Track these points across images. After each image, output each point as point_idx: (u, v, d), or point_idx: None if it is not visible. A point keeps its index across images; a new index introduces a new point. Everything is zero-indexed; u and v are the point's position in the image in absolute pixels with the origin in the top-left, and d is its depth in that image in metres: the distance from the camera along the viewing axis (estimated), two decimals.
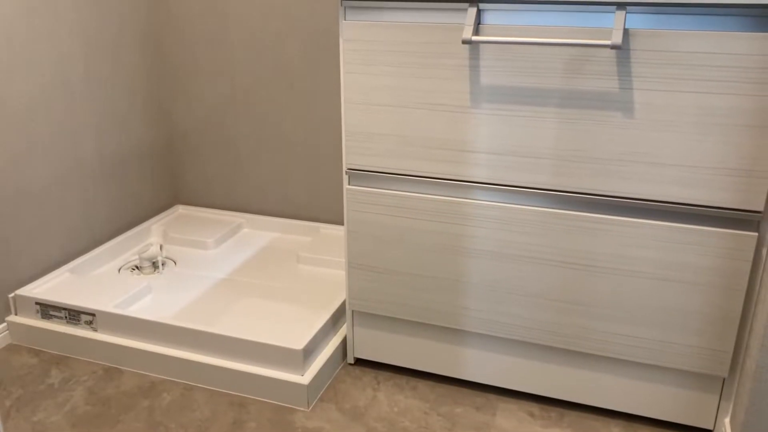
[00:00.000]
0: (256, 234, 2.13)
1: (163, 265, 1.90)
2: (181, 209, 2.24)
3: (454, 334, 1.46)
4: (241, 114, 2.07)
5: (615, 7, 1.13)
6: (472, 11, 1.21)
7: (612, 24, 1.14)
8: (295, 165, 2.07)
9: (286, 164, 2.08)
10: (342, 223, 2.08)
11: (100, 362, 1.59)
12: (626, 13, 1.13)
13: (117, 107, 1.94)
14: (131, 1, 1.94)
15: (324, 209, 2.09)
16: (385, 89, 1.32)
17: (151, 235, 2.08)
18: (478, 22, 1.23)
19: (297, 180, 2.08)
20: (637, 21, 1.13)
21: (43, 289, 1.71)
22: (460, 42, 1.24)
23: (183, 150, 2.19)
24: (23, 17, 1.61)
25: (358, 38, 1.31)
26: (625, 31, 1.13)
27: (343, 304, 1.64)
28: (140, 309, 1.69)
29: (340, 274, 1.86)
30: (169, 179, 2.21)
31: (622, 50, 1.14)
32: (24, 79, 1.64)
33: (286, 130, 2.03)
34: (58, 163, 1.77)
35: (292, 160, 2.06)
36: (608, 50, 1.15)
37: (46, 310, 1.64)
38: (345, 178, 1.43)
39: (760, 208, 1.15)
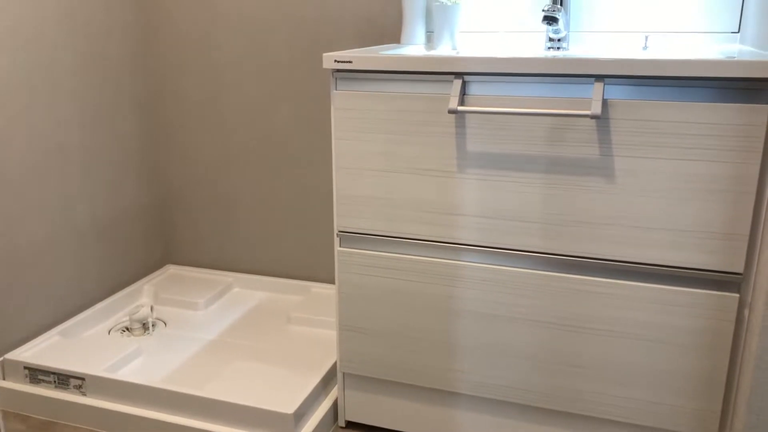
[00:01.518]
0: (246, 293, 2.14)
1: (153, 326, 1.90)
2: (172, 269, 2.25)
3: (446, 396, 1.47)
4: (233, 175, 2.10)
5: (593, 79, 1.18)
6: (458, 83, 1.27)
7: (591, 95, 1.20)
8: (286, 224, 2.09)
9: (277, 224, 2.10)
10: (333, 282, 2.10)
11: (90, 428, 1.57)
12: (604, 84, 1.18)
13: (111, 170, 1.98)
14: (128, 66, 2.00)
15: (315, 268, 2.10)
16: (376, 155, 1.36)
17: (141, 296, 2.08)
18: (463, 92, 1.28)
19: (288, 239, 2.10)
20: (615, 92, 1.18)
21: (32, 352, 1.70)
22: (447, 111, 1.28)
23: (175, 210, 2.21)
24: (23, 84, 1.66)
25: (349, 107, 1.36)
26: (604, 102, 1.19)
27: (334, 366, 1.64)
28: (130, 372, 1.68)
29: (331, 335, 1.87)
30: (160, 239, 2.23)
31: (601, 120, 1.19)
32: (21, 144, 1.67)
33: (277, 190, 2.07)
34: (51, 226, 1.78)
35: (283, 220, 2.09)
36: (589, 119, 1.20)
37: (35, 374, 1.63)
38: (336, 240, 1.45)
39: (741, 270, 1.18)
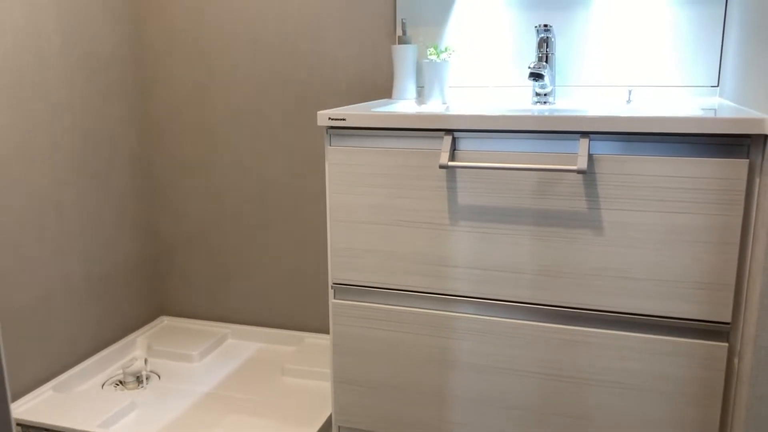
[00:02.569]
0: (240, 345, 2.13)
1: (147, 379, 1.89)
2: (166, 320, 2.25)
3: None
4: (227, 229, 2.13)
5: (579, 135, 1.23)
6: (448, 139, 1.30)
7: (578, 150, 1.24)
8: (280, 275, 2.11)
9: (270, 274, 2.12)
10: (327, 331, 2.10)
11: None
12: (589, 140, 1.22)
13: (106, 226, 2.00)
14: (124, 124, 2.04)
15: (308, 318, 2.11)
16: (369, 208, 1.39)
17: (135, 349, 2.07)
18: (453, 148, 1.31)
19: (281, 290, 2.11)
20: (601, 147, 1.22)
21: (25, 408, 1.69)
22: (438, 166, 1.32)
23: (169, 261, 2.22)
24: (23, 143, 1.69)
25: (343, 162, 1.40)
26: (590, 157, 1.22)
27: (329, 419, 1.63)
28: (124, 427, 1.67)
29: (326, 386, 1.86)
30: (154, 291, 2.24)
31: (588, 174, 1.23)
32: (18, 201, 1.69)
33: (271, 242, 2.09)
34: (45, 280, 1.79)
35: (277, 271, 2.11)
36: (576, 174, 1.24)
37: (27, 431, 1.61)
38: (331, 292, 1.47)
39: (728, 320, 1.20)
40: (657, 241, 1.21)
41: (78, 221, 1.89)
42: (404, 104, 1.64)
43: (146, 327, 2.18)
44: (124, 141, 2.05)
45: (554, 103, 1.62)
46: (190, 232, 2.18)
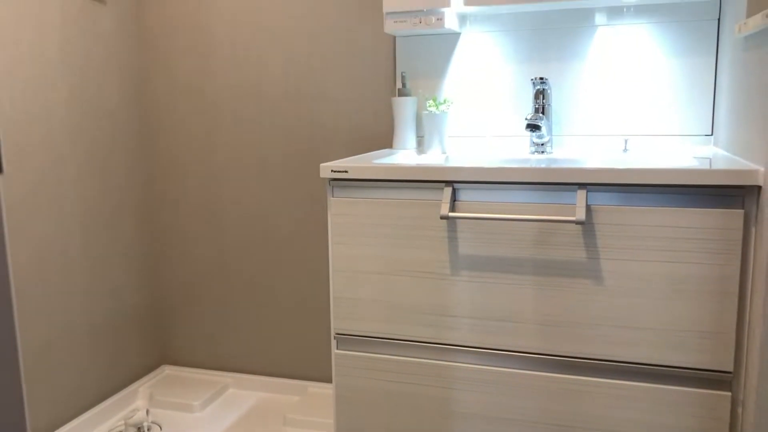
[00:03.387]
0: (242, 394, 2.12)
1: (149, 430, 1.88)
2: (168, 370, 2.24)
3: None
4: (229, 276, 2.14)
5: (577, 186, 1.25)
6: (448, 190, 1.33)
7: (576, 201, 1.26)
8: (283, 324, 2.11)
9: (273, 324, 2.12)
10: (329, 380, 2.09)
11: None
12: (587, 192, 1.24)
13: (110, 273, 2.01)
14: (129, 173, 2.07)
15: (311, 367, 2.10)
16: (371, 258, 1.41)
17: (137, 399, 2.06)
18: (453, 198, 1.34)
19: (284, 339, 2.11)
20: (598, 198, 1.25)
21: None
22: (439, 217, 1.34)
23: (171, 311, 2.23)
24: (28, 192, 1.72)
25: (345, 213, 1.42)
26: (588, 208, 1.25)
27: None
28: None
29: None
30: (156, 340, 2.24)
31: (586, 225, 1.25)
32: (24, 250, 1.71)
33: (273, 291, 2.10)
34: (48, 329, 1.80)
35: (280, 320, 2.11)
36: (574, 224, 1.26)
37: None
38: (333, 343, 1.47)
39: (730, 369, 1.21)
40: (656, 291, 1.23)
41: (83, 270, 1.90)
42: (405, 154, 1.68)
43: (148, 376, 2.17)
44: (129, 190, 2.08)
45: (552, 153, 1.65)
46: (193, 281, 2.19)
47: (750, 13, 1.25)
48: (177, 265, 2.20)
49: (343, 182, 1.42)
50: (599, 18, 1.66)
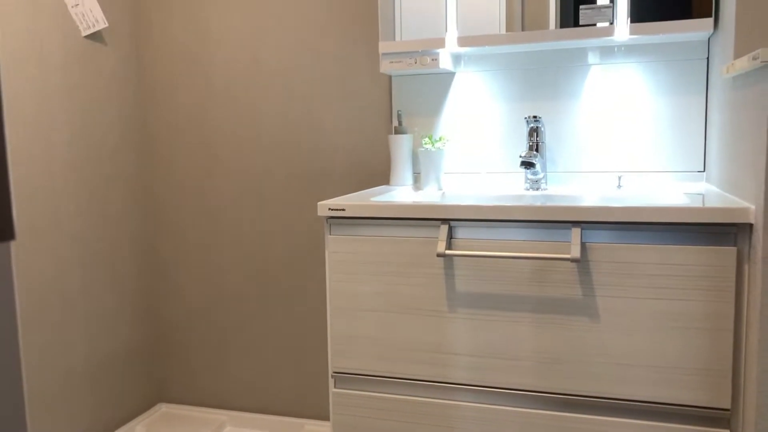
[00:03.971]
0: None
1: None
2: (164, 407, 2.23)
3: None
4: (227, 313, 2.14)
5: (571, 224, 1.26)
6: (444, 228, 1.34)
7: (571, 239, 1.27)
8: (280, 361, 2.10)
9: (270, 361, 2.11)
10: (327, 418, 2.08)
11: None
12: (582, 230, 1.26)
13: (108, 310, 2.01)
14: (128, 210, 2.08)
15: (308, 405, 2.09)
16: (369, 296, 1.42)
17: None
18: (450, 236, 1.35)
19: (282, 376, 2.10)
20: (593, 236, 1.26)
21: None
22: (436, 255, 1.35)
23: (168, 347, 2.22)
24: (27, 229, 1.73)
25: (343, 250, 1.43)
26: (583, 245, 1.26)
27: None
28: None
29: None
30: (153, 377, 2.22)
31: (581, 262, 1.26)
32: (22, 288, 1.71)
33: (271, 329, 2.10)
34: (44, 367, 1.79)
35: (277, 357, 2.10)
36: (570, 262, 1.27)
37: None
38: (331, 381, 1.47)
39: (728, 406, 1.21)
40: (653, 328, 1.23)
41: (80, 308, 1.90)
42: (402, 191, 1.69)
43: (145, 414, 2.15)
44: (128, 226, 2.08)
45: (546, 189, 1.67)
46: (190, 317, 2.18)
47: (737, 54, 1.28)
48: (173, 302, 2.20)
49: (340, 220, 1.43)
50: (591, 57, 1.69)
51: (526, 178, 1.68)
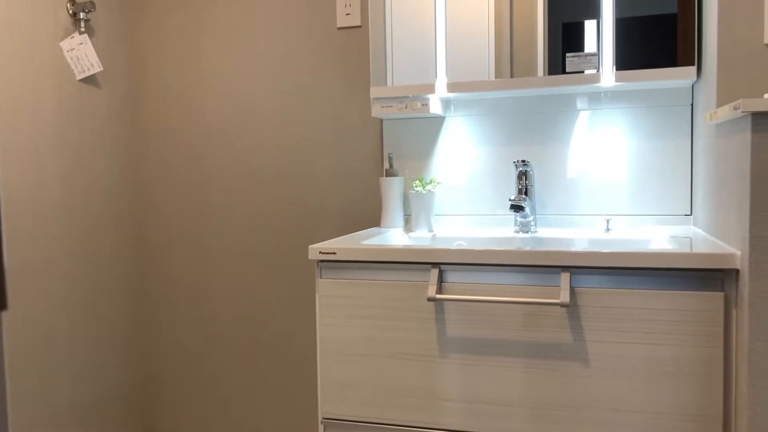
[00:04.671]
0: None
1: None
2: None
3: None
4: (217, 356, 2.12)
5: (561, 269, 1.27)
6: (435, 272, 1.35)
7: (560, 283, 1.28)
8: (270, 406, 2.08)
9: (261, 405, 2.09)
10: None
11: None
12: (571, 275, 1.27)
13: (95, 353, 1.99)
14: (117, 251, 2.08)
15: None
16: (359, 340, 1.41)
17: None
18: (441, 280, 1.36)
19: (272, 421, 2.08)
20: (582, 280, 1.27)
21: None
22: (426, 299, 1.36)
23: (157, 392, 2.19)
24: (16, 270, 1.72)
25: (333, 294, 1.43)
26: (572, 290, 1.27)
27: None
28: None
29: None
30: (141, 420, 2.19)
31: (571, 307, 1.27)
32: (10, 329, 1.70)
33: (261, 371, 2.08)
34: (30, 411, 1.76)
35: (267, 402, 2.08)
36: (559, 307, 1.27)
37: None
38: (320, 427, 1.45)
39: None
40: (643, 373, 1.23)
41: (68, 349, 1.88)
42: (393, 233, 1.70)
43: None
44: (118, 267, 2.08)
45: (536, 232, 1.69)
46: (179, 361, 2.16)
47: (719, 102, 1.32)
48: (162, 346, 2.18)
49: (331, 263, 1.44)
50: (579, 103, 1.73)
51: (516, 221, 1.70)
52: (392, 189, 1.81)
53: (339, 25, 1.92)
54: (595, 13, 1.57)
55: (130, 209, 2.13)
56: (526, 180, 1.68)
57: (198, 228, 2.11)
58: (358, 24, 1.91)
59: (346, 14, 1.91)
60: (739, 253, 1.16)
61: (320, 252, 1.43)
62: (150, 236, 2.17)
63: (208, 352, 2.13)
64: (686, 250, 1.22)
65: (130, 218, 2.13)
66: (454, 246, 1.60)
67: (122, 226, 2.10)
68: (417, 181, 1.78)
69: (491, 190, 1.81)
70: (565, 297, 1.24)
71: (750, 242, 1.10)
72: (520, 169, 1.68)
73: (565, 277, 1.26)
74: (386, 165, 1.89)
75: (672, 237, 1.48)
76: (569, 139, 1.74)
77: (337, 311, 1.43)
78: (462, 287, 1.35)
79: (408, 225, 1.86)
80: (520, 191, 1.68)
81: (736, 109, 1.09)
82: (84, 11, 1.88)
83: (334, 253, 1.42)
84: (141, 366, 2.19)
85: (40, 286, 1.80)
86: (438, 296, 1.33)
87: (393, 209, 1.82)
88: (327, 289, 1.43)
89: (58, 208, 1.85)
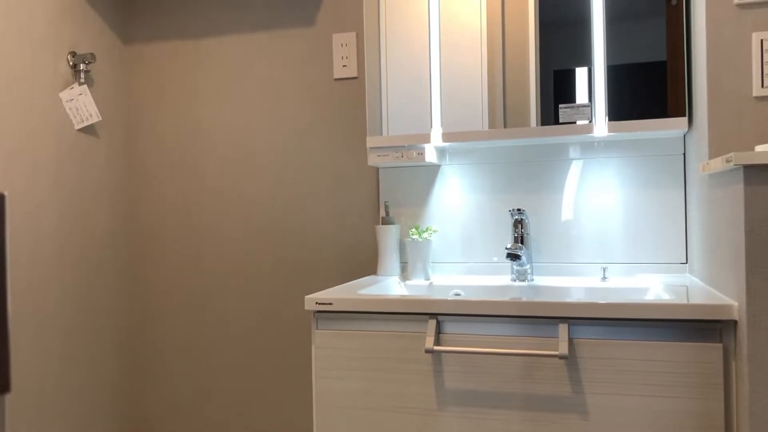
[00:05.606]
0: None
1: None
2: None
3: None
4: (211, 409, 2.09)
5: (559, 320, 1.27)
6: (432, 323, 1.34)
7: (558, 334, 1.27)
8: None
9: None
10: None
11: None
12: (569, 326, 1.26)
13: (87, 406, 1.95)
14: (112, 302, 2.06)
15: None
16: (356, 393, 1.39)
17: None
18: (438, 331, 1.35)
19: None
20: (581, 331, 1.26)
21: None
22: (423, 351, 1.34)
23: None
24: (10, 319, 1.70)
25: (329, 345, 1.42)
26: (571, 341, 1.26)
27: None
28: None
29: None
30: None
31: (570, 359, 1.26)
32: None
33: (256, 425, 2.04)
34: None
35: None
36: (558, 359, 1.26)
37: None
38: None
39: None
40: (642, 425, 1.22)
41: (58, 403, 1.85)
42: (389, 282, 1.70)
43: None
44: (113, 317, 2.06)
45: (533, 280, 1.69)
46: (174, 406, 2.13)
47: (711, 153, 1.33)
48: (158, 391, 2.14)
49: (327, 314, 1.43)
50: (572, 152, 1.75)
51: (513, 269, 1.70)
52: (389, 237, 1.82)
53: (336, 77, 1.96)
54: (586, 60, 1.60)
55: (125, 258, 2.13)
56: (521, 228, 1.69)
57: (193, 278, 2.10)
58: (355, 75, 1.94)
59: (342, 66, 1.95)
60: (736, 304, 1.16)
61: (317, 302, 1.42)
62: (145, 287, 2.15)
63: (202, 405, 2.10)
64: (683, 300, 1.22)
65: (125, 267, 2.13)
66: (451, 296, 1.60)
67: (117, 274, 2.09)
68: (413, 229, 1.79)
69: (487, 238, 1.81)
70: (563, 349, 1.23)
71: (747, 293, 1.10)
72: (516, 217, 1.69)
73: (563, 328, 1.26)
74: (382, 213, 1.90)
75: (668, 286, 1.48)
76: (564, 188, 1.75)
77: (333, 363, 1.41)
78: (460, 338, 1.34)
79: (404, 273, 1.85)
80: (516, 239, 1.68)
81: (728, 161, 1.11)
82: (84, 62, 1.90)
83: (331, 304, 1.41)
84: (132, 420, 2.15)
85: (32, 335, 1.78)
86: (436, 348, 1.32)
87: (389, 257, 1.82)
88: (323, 340, 1.42)
89: (53, 256, 1.85)
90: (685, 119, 1.53)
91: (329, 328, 1.43)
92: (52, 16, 1.85)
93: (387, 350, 1.38)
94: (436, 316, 1.35)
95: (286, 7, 2.00)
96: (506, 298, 1.31)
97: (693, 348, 1.20)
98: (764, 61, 1.29)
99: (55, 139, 1.85)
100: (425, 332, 1.36)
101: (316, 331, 1.43)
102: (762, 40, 1.29)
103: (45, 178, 1.82)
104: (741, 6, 1.31)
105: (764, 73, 1.29)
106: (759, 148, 1.17)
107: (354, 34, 1.93)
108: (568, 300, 1.26)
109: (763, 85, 1.29)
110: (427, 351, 1.32)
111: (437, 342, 1.34)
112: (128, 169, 2.14)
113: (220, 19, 2.07)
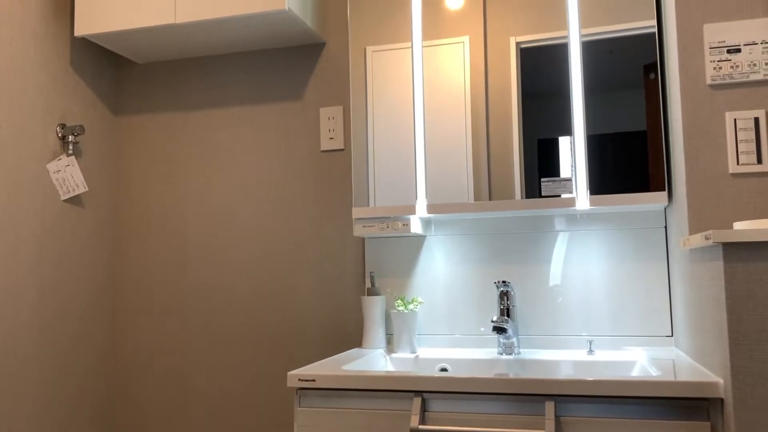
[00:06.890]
0: None
1: None
2: None
3: None
4: None
5: (545, 398, 1.25)
6: (418, 400, 1.32)
7: (545, 412, 1.25)
8: None
9: None
10: None
11: None
12: (556, 403, 1.25)
13: None
14: (89, 375, 2.02)
15: None
16: None
17: None
18: (423, 409, 1.32)
19: None
20: (567, 408, 1.25)
21: None
22: (409, 430, 1.32)
23: None
24: None
25: (312, 424, 1.38)
26: (558, 419, 1.24)
27: None
28: None
29: None
30: None
31: None
32: None
33: None
34: None
35: None
36: None
37: None
38: None
39: None
40: None
41: None
42: (375, 355, 1.68)
43: None
44: (91, 389, 2.01)
45: (520, 353, 1.67)
46: None
47: (691, 228, 1.35)
48: None
49: (310, 390, 1.40)
50: (557, 224, 1.77)
51: (499, 342, 1.68)
52: (374, 308, 1.80)
53: (323, 148, 1.98)
54: (568, 130, 1.63)
55: (105, 329, 2.09)
56: (507, 300, 1.69)
57: (176, 349, 2.07)
58: (342, 147, 1.97)
59: (330, 138, 1.98)
60: (722, 381, 1.15)
61: (299, 379, 1.39)
62: (126, 358, 2.11)
63: None
64: (670, 377, 1.21)
65: (104, 340, 2.09)
66: (437, 370, 1.58)
67: (97, 349, 2.05)
68: (399, 300, 1.78)
69: (473, 309, 1.81)
70: (550, 427, 1.21)
71: (732, 372, 1.10)
72: (501, 289, 1.69)
73: (549, 406, 1.24)
74: (368, 284, 1.89)
75: (654, 360, 1.47)
76: (549, 259, 1.76)
77: None
78: (446, 416, 1.31)
79: (390, 345, 1.83)
80: (502, 312, 1.68)
81: (707, 239, 1.12)
82: (73, 134, 1.92)
83: (314, 380, 1.39)
84: None
85: (8, 410, 1.72)
86: (421, 427, 1.29)
87: (375, 329, 1.80)
88: (306, 418, 1.39)
89: (32, 331, 1.81)
90: (665, 194, 1.55)
91: (312, 405, 1.40)
92: (43, 86, 1.87)
93: (371, 429, 1.34)
94: (422, 393, 1.33)
95: (275, 83, 2.05)
96: (492, 375, 1.30)
97: (681, 427, 1.18)
98: (739, 139, 1.33)
99: (40, 209, 1.85)
100: (410, 411, 1.33)
101: (299, 408, 1.40)
102: (735, 119, 1.33)
103: (26, 245, 1.80)
104: (713, 87, 1.35)
105: (739, 150, 1.32)
106: (737, 225, 1.19)
107: (341, 108, 1.97)
108: (555, 377, 1.25)
109: (738, 163, 1.32)
110: (413, 430, 1.29)
111: (422, 421, 1.32)
112: (112, 239, 2.14)
113: (209, 93, 2.11)
